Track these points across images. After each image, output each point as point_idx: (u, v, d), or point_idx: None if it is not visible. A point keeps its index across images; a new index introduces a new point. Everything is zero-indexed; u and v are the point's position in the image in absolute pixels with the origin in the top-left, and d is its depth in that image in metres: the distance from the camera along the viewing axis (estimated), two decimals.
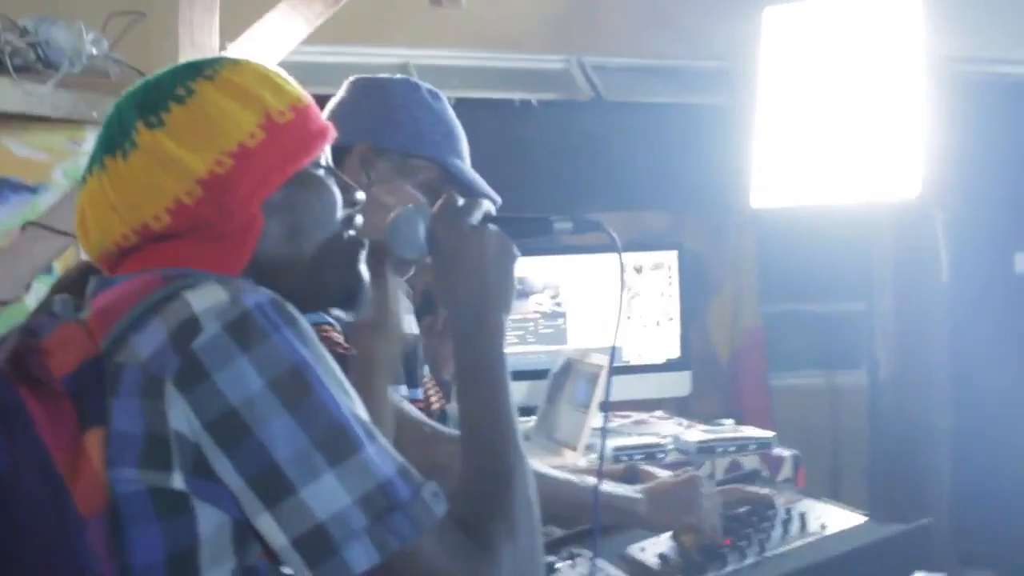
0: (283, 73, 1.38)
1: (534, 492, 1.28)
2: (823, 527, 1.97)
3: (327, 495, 1.09)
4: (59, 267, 3.25)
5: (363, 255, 1.40)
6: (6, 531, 1.11)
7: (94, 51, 3.98)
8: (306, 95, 1.37)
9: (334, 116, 2.07)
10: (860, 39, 4.19)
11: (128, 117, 1.29)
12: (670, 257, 3.48)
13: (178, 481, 1.11)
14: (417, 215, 1.41)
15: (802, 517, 2.00)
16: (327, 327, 1.85)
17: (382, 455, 1.14)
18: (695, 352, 3.82)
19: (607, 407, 1.57)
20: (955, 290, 4.89)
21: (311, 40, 3.04)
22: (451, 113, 2.11)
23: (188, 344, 1.11)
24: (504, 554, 1.19)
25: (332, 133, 1.39)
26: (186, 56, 2.81)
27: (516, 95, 4.78)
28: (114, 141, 1.28)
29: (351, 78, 2.13)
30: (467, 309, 1.36)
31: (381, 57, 4.59)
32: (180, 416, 1.10)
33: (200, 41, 2.80)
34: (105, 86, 4.05)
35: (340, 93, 2.11)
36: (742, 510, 2.06)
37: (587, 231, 1.48)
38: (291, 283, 1.30)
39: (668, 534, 2.00)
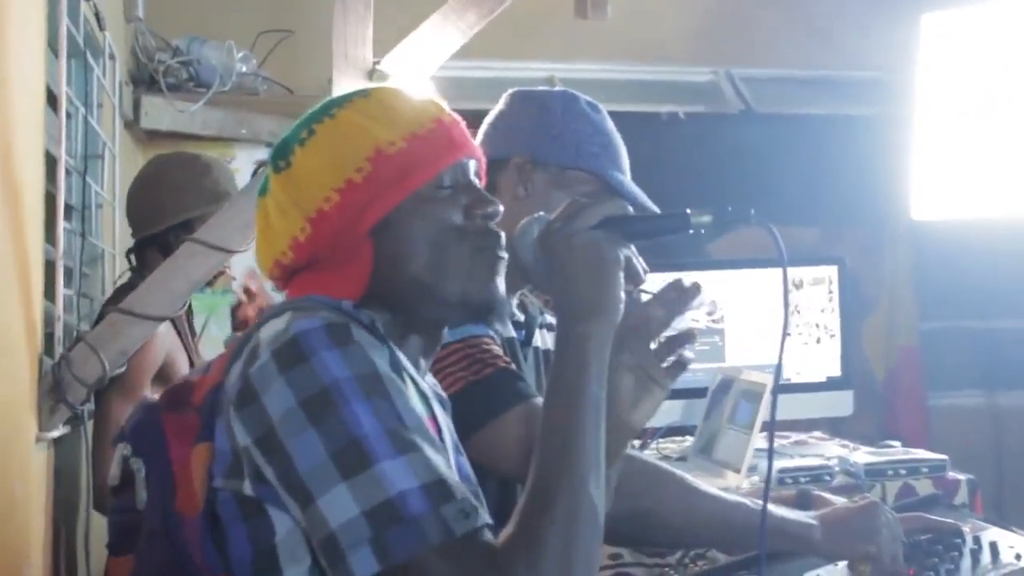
0: (416, 95, 1.42)
1: (588, 525, 1.24)
2: (1018, 558, 1.84)
3: (339, 505, 1.15)
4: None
5: (497, 269, 1.40)
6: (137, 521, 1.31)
7: (243, 69, 4.05)
8: (432, 117, 1.39)
9: (492, 128, 2.03)
10: None
11: (269, 168, 1.41)
12: (831, 272, 3.33)
13: (248, 488, 1.22)
14: (535, 222, 1.38)
15: (993, 547, 1.87)
16: (488, 339, 1.80)
17: (403, 469, 1.17)
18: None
19: (772, 427, 1.47)
20: None
21: (457, 55, 3.00)
22: (611, 125, 2.04)
23: (248, 370, 1.22)
24: None
25: (460, 152, 1.40)
26: (340, 70, 2.79)
27: (663, 108, 4.71)
28: (263, 185, 1.42)
29: (510, 91, 2.08)
30: (559, 317, 1.34)
31: (526, 71, 4.57)
32: (241, 433, 1.21)
33: (354, 55, 2.78)
34: (254, 103, 4.11)
35: (499, 106, 2.06)
36: (924, 538, 1.94)
37: (732, 223, 1.37)
38: (412, 302, 1.37)
39: (844, 563, 1.89)
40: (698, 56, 4.84)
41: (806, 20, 4.80)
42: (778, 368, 1.51)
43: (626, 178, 2.01)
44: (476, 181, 1.43)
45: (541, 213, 1.40)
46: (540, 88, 2.09)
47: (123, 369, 2.59)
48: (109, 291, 3.22)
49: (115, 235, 3.40)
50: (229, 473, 1.23)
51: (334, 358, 1.20)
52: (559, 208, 1.38)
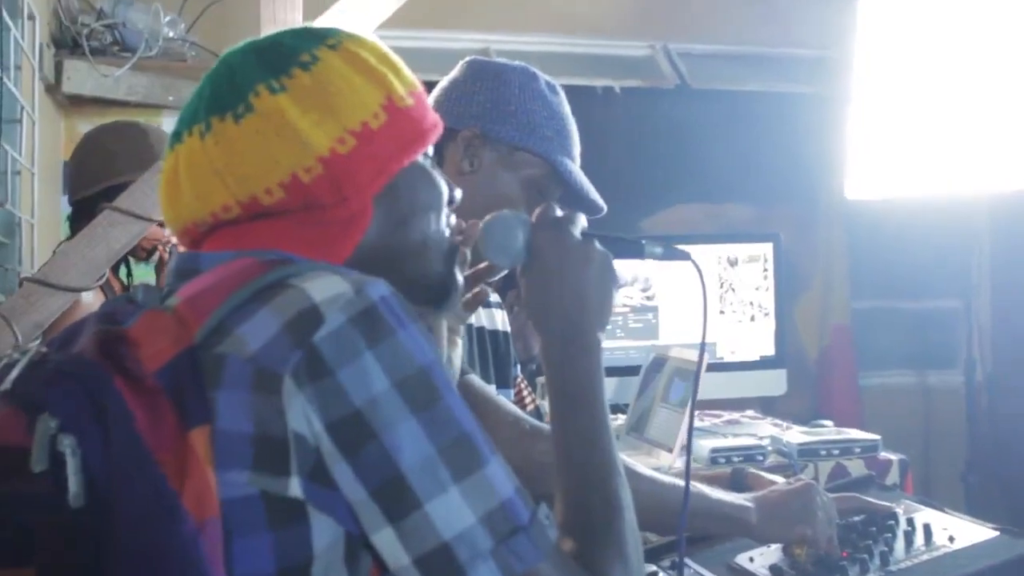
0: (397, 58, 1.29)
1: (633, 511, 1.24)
2: (951, 540, 1.81)
3: (453, 512, 1.00)
4: None
5: (459, 257, 1.33)
6: (106, 539, 0.95)
7: (171, 34, 3.92)
8: (416, 79, 1.26)
9: (445, 95, 1.96)
10: (963, 25, 4.02)
11: (246, 77, 1.16)
12: (766, 249, 3.32)
13: (295, 487, 0.99)
14: (516, 221, 1.34)
15: (926, 528, 1.85)
16: None
17: (504, 472, 1.06)
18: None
19: (692, 407, 1.47)
20: None
21: (390, 24, 2.92)
22: (567, 109, 1.98)
23: (309, 337, 1.00)
24: None
25: (440, 126, 1.28)
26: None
27: (599, 82, 4.65)
28: (225, 101, 1.16)
29: (466, 59, 2.01)
30: (565, 326, 1.29)
31: (461, 42, 4.48)
32: (299, 415, 0.99)
33: (282, 19, 2.70)
34: (181, 70, 3.98)
35: (453, 73, 1.99)
36: (858, 520, 1.91)
37: (676, 259, 1.45)
38: (390, 276, 1.15)
39: (777, 545, 1.86)
40: (635, 30, 4.78)
41: None
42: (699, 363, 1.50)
43: (575, 166, 1.95)
44: None
45: (507, 211, 1.36)
46: (499, 60, 2.02)
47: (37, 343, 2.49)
48: (27, 261, 3.12)
49: (34, 204, 3.29)
50: (255, 466, 0.98)
51: (418, 334, 1.04)
52: (514, 207, 1.41)
